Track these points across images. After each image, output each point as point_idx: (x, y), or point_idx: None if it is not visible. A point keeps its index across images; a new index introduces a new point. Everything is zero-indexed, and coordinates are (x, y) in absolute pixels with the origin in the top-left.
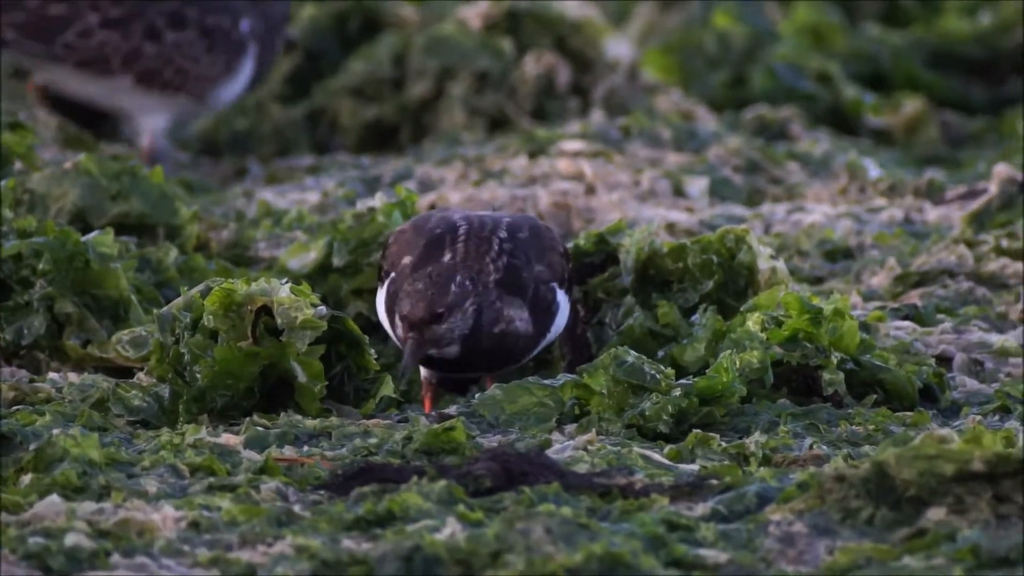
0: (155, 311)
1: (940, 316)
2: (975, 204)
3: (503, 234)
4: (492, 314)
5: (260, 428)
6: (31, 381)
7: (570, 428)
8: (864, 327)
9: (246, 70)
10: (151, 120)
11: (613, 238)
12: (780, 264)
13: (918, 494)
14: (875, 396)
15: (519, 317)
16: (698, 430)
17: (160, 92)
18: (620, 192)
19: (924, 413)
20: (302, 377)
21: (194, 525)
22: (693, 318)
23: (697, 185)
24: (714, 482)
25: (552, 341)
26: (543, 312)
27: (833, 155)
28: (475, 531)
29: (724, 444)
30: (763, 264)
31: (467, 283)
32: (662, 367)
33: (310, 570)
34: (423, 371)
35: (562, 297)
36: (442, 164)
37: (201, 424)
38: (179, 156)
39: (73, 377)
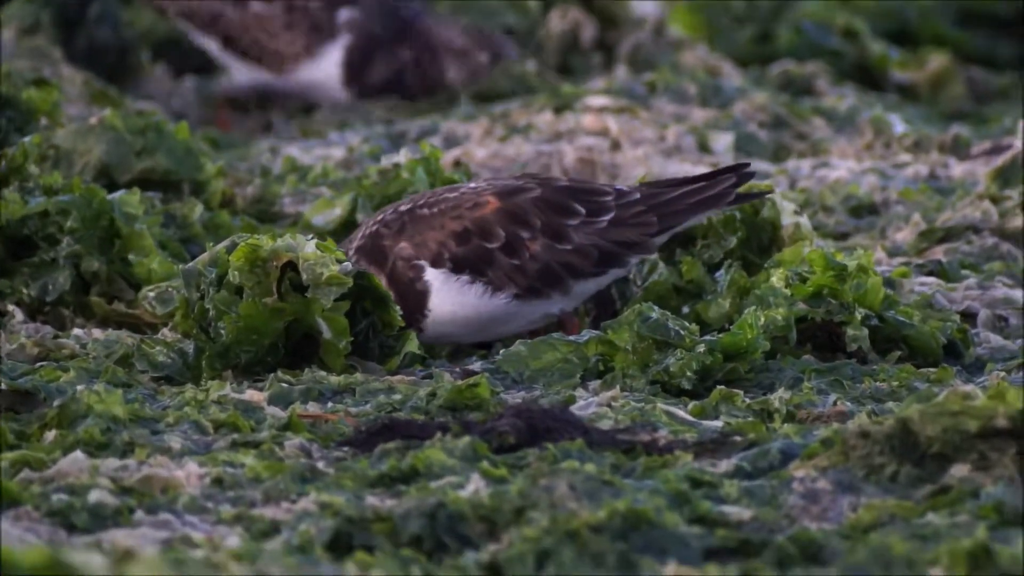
0: (180, 267)
1: (965, 272)
2: (1000, 160)
3: (404, 207)
4: None
5: (284, 384)
6: (55, 337)
7: (594, 384)
8: (889, 283)
9: (331, 57)
10: (236, 77)
11: None
12: (803, 220)
13: (942, 451)
14: (899, 352)
15: None
16: (722, 386)
17: (243, 59)
18: (645, 148)
19: (948, 369)
20: (327, 333)
21: (218, 482)
22: (717, 274)
23: (722, 141)
24: (738, 439)
25: (443, 326)
26: (404, 287)
27: (858, 111)
28: (499, 488)
29: (748, 400)
30: (786, 220)
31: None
32: (686, 323)
33: (334, 527)
34: None
35: (437, 277)
36: (468, 120)
37: (225, 380)
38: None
39: (97, 333)
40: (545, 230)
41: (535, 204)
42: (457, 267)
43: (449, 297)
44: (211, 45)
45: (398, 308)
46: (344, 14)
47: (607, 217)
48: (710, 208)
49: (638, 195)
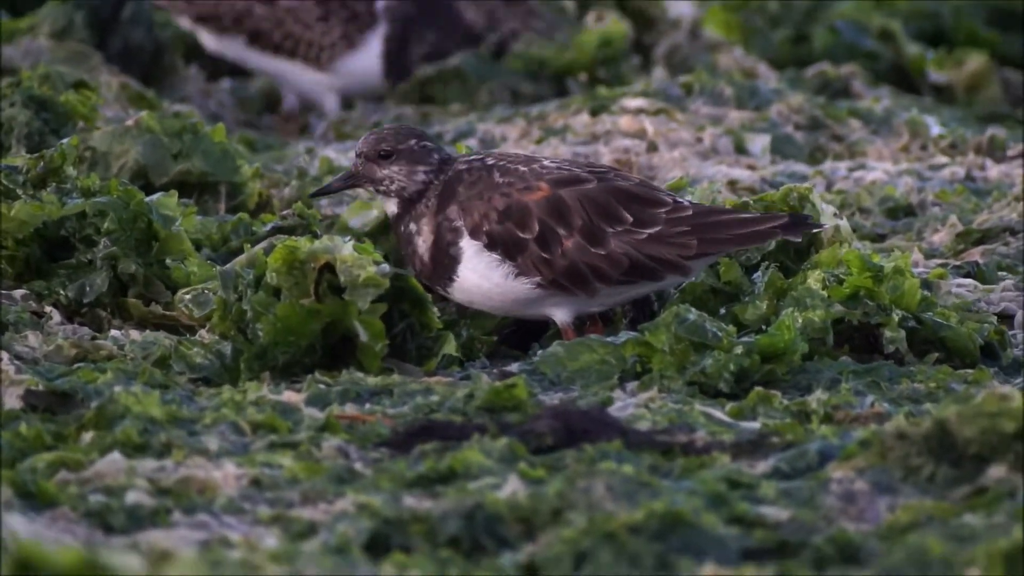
0: (217, 268)
1: (1001, 273)
2: None
3: (490, 161)
4: (416, 215)
5: (322, 386)
6: (93, 339)
7: (632, 385)
8: (926, 285)
9: (373, 47)
10: (288, 85)
11: None
12: (843, 223)
13: (979, 452)
14: (936, 354)
15: (423, 236)
16: (760, 387)
17: (274, 55)
18: (682, 149)
19: (985, 371)
20: (364, 335)
21: (255, 483)
22: (755, 276)
23: (759, 142)
24: (775, 440)
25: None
26: (442, 250)
27: (895, 112)
28: (536, 489)
29: (786, 402)
30: (826, 222)
31: (433, 155)
32: (724, 324)
33: (371, 528)
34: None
35: (470, 246)
36: (504, 121)
37: (263, 382)
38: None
39: (135, 335)
40: (583, 230)
41: (582, 201)
42: (491, 244)
43: (478, 269)
44: (233, 44)
45: (428, 263)
46: (381, 2)
47: (650, 230)
48: (753, 243)
49: (691, 212)
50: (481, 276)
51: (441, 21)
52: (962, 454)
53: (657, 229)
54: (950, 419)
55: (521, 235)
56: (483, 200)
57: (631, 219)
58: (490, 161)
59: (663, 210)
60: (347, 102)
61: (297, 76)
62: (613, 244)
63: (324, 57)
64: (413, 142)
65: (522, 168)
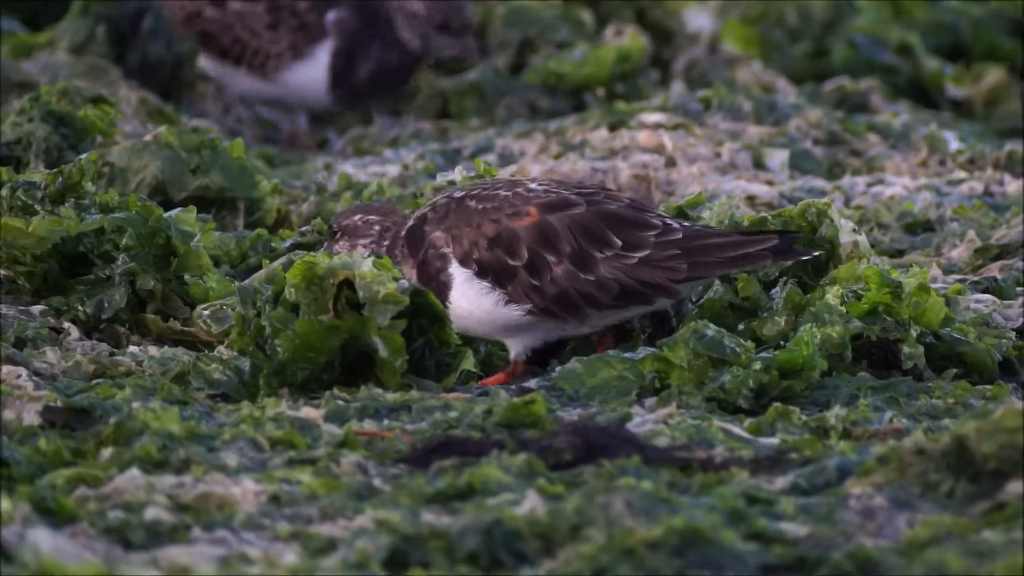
0: (236, 284)
1: (1020, 289)
2: None
3: (458, 194)
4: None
5: (340, 402)
6: (111, 355)
7: (650, 401)
8: (944, 300)
9: (320, 59)
10: (230, 90)
11: (693, 211)
12: (862, 238)
13: (998, 467)
14: (955, 370)
15: (409, 278)
16: (778, 403)
17: (220, 59)
18: (700, 164)
19: (1004, 386)
20: (383, 351)
21: (274, 499)
22: (773, 292)
23: (777, 157)
24: (794, 456)
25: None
26: (430, 277)
27: (913, 127)
28: (555, 505)
29: (804, 418)
30: (845, 238)
31: (374, 227)
32: (742, 340)
33: (390, 544)
34: (515, 349)
35: (460, 274)
36: (522, 136)
37: (281, 398)
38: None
39: (153, 351)
40: (572, 257)
41: (571, 227)
42: (481, 271)
43: (468, 296)
44: (186, 45)
45: None
46: (331, 15)
47: (640, 254)
48: (743, 265)
49: (680, 235)
50: (472, 303)
51: (384, 38)
52: (980, 470)
53: (646, 253)
54: (968, 435)
55: (511, 262)
56: (472, 227)
57: (620, 243)
58: (458, 194)
59: (652, 233)
60: (365, 119)
61: (239, 83)
62: (603, 269)
63: (270, 66)
64: (357, 217)
65: (504, 193)
